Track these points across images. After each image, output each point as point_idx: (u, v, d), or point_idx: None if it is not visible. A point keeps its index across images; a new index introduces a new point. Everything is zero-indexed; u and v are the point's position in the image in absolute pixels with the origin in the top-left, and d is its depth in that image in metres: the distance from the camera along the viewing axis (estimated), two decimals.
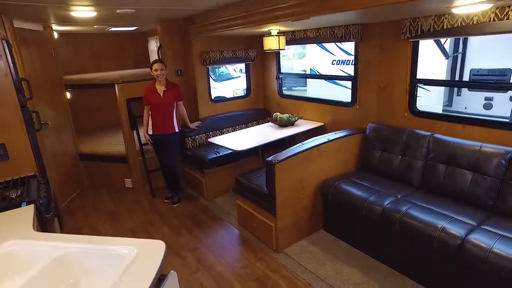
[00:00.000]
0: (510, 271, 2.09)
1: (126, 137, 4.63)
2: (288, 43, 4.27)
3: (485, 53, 6.43)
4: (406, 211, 2.68)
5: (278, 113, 4.57)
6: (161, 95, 3.92)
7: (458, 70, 6.72)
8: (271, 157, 3.10)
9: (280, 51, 4.30)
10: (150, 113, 4.03)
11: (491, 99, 6.45)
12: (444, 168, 2.98)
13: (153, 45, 6.10)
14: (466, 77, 6.56)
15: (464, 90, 6.80)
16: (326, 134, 3.57)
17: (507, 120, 5.87)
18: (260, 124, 5.27)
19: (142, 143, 4.52)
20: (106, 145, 5.13)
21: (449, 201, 2.85)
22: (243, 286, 2.87)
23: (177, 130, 4.10)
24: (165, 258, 1.46)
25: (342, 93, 7.78)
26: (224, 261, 3.22)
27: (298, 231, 3.37)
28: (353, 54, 7.38)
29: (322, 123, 4.47)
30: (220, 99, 5.31)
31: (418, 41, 3.26)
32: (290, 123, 4.41)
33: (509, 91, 6.21)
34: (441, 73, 6.46)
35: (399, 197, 2.97)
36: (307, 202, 3.36)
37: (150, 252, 1.50)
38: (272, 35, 3.71)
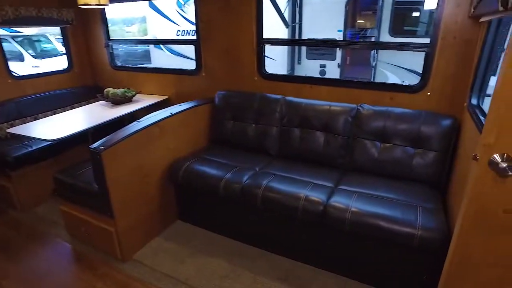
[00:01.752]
0: (368, 226, 2.02)
1: None
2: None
3: (317, 25, 6.98)
4: (266, 184, 2.37)
5: (110, 88, 3.67)
6: None
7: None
8: (96, 143, 2.31)
9: (103, 7, 3.36)
10: None
11: (324, 66, 7.10)
12: (298, 132, 2.81)
13: None
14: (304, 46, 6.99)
15: (303, 59, 7.27)
16: (169, 108, 2.96)
17: (348, 78, 6.55)
18: (90, 104, 4.24)
19: None
20: None
21: (307, 165, 2.71)
22: None
23: None
24: None
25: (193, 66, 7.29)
26: None
27: (148, 229, 2.73)
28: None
29: (166, 96, 3.83)
30: (30, 76, 3.97)
31: None
32: (126, 99, 3.60)
33: (337, 60, 6.89)
34: None
35: (257, 170, 2.66)
36: (154, 191, 2.73)
37: None
38: None
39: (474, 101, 2.19)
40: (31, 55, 8.27)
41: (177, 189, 2.89)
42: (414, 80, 6.17)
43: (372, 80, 6.10)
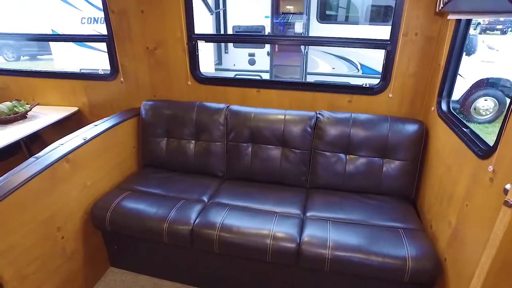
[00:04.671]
0: (354, 265, 1.71)
1: None
2: None
3: (242, 10, 6.51)
4: (222, 223, 1.90)
5: None
6: None
7: (222, 26, 6.57)
8: None
9: None
10: None
11: (253, 55, 6.71)
12: (249, 147, 2.36)
13: None
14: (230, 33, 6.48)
15: (230, 47, 6.78)
16: (80, 130, 2.26)
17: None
18: None
19: None
20: None
21: (264, 188, 2.30)
22: None
23: None
24: None
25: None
26: None
27: None
28: None
29: (76, 108, 3.03)
30: None
31: None
32: (18, 117, 2.74)
33: (266, 48, 6.53)
34: (209, 29, 6.08)
35: (206, 201, 2.16)
36: (74, 244, 2.06)
37: None
38: None
39: (444, 106, 1.99)
40: None
41: (105, 234, 2.26)
42: (344, 68, 6.20)
43: (304, 74, 5.93)
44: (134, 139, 2.59)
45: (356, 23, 6.19)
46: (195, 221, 1.95)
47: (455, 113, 1.91)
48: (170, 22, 2.50)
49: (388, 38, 2.19)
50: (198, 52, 2.58)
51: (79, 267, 2.13)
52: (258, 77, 6.50)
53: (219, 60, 6.84)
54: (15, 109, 2.72)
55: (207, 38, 2.66)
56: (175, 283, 2.25)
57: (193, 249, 1.98)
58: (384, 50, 2.23)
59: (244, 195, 2.19)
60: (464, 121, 1.75)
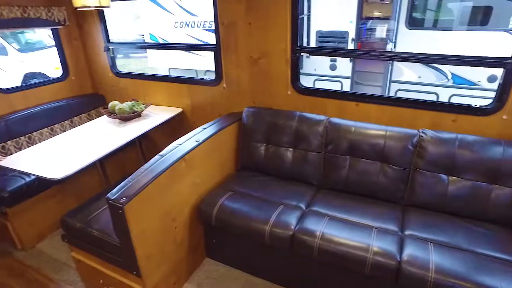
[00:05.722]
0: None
1: None
2: None
3: (326, 16, 6.48)
4: (323, 232, 1.99)
5: (115, 102, 3.19)
6: None
7: (305, 31, 6.61)
8: (114, 190, 1.87)
9: (104, 9, 2.87)
10: None
11: (335, 60, 6.64)
12: (347, 160, 2.41)
13: None
14: (313, 39, 6.48)
15: None
16: (192, 133, 2.50)
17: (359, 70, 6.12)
18: (92, 116, 3.74)
19: None
20: None
21: (360, 200, 2.34)
22: None
23: None
24: None
25: (198, 61, 6.71)
26: None
27: (177, 277, 2.34)
28: (197, 14, 6.16)
29: (180, 109, 3.36)
30: (19, 88, 3.42)
31: None
32: (135, 115, 3.13)
33: None
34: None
35: (304, 208, 2.27)
36: (182, 234, 2.33)
37: None
38: None
39: None
40: (16, 49, 7.54)
41: (206, 228, 2.49)
42: (432, 77, 5.83)
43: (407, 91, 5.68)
44: (234, 142, 2.80)
45: (450, 28, 5.77)
46: (295, 226, 2.07)
47: None
48: (276, 34, 2.64)
49: (510, 56, 2.06)
50: (300, 63, 2.68)
51: (185, 255, 2.39)
52: (339, 82, 6.44)
53: (300, 64, 6.91)
54: (134, 108, 3.11)
55: (310, 51, 2.75)
56: (266, 282, 2.40)
57: (290, 252, 2.11)
58: (502, 69, 2.11)
59: (341, 206, 2.25)
60: None
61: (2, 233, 2.83)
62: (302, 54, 2.64)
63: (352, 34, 6.23)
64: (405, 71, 6.11)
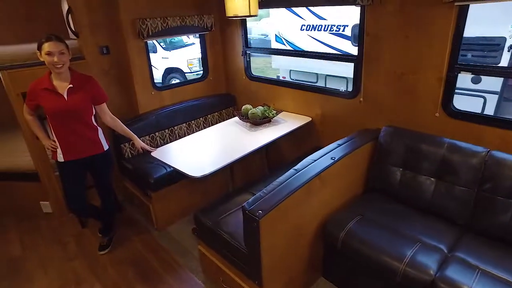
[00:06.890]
0: None
1: (31, 147, 3.17)
2: (262, 5, 2.96)
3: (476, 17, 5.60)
4: None
5: (248, 106, 3.33)
6: (65, 96, 2.39)
7: None
8: (250, 201, 1.92)
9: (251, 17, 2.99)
10: (50, 126, 2.49)
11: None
12: (509, 204, 2.01)
13: (65, 7, 4.41)
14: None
15: None
16: (327, 149, 2.43)
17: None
18: (223, 115, 4.02)
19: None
20: (5, 155, 3.62)
21: None
22: None
23: (106, 147, 2.67)
24: None
25: (322, 65, 6.59)
26: None
27: None
28: (326, 18, 6.00)
29: (309, 119, 3.32)
30: (169, 86, 3.90)
31: (468, 6, 2.15)
32: (266, 121, 3.21)
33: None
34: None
35: (446, 251, 1.98)
36: (304, 250, 2.29)
37: None
38: None
39: None
40: (162, 47, 8.71)
41: (329, 248, 2.40)
42: None
43: None
44: (366, 161, 2.63)
45: None
46: (436, 273, 1.81)
47: None
48: (431, 49, 2.35)
49: None
50: (456, 83, 2.35)
51: (304, 270, 2.35)
52: (481, 98, 5.54)
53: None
54: (265, 113, 3.19)
55: (475, 69, 2.36)
56: None
57: None
58: None
59: (497, 259, 1.88)
60: None
61: (146, 213, 3.26)
62: (462, 72, 2.29)
63: (510, 41, 5.24)
64: None
